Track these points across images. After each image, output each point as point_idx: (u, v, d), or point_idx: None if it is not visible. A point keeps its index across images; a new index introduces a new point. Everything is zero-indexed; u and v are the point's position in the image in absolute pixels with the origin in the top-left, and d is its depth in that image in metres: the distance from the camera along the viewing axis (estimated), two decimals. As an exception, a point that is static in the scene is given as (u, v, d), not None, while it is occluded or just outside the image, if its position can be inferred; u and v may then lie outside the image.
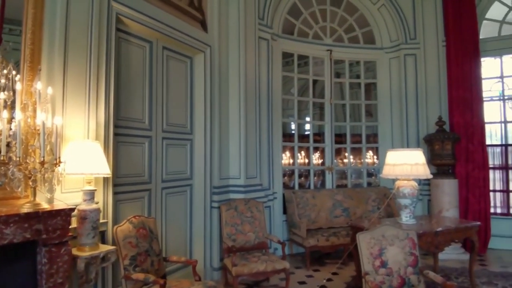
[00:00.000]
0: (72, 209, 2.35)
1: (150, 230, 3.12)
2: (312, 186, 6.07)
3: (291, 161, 8.05)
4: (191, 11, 4.22)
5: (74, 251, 2.46)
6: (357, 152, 7.46)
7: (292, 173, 7.95)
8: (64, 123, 2.64)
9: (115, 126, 3.23)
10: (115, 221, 3.12)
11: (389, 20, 6.16)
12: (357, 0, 6.25)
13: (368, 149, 6.83)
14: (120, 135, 3.37)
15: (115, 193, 3.20)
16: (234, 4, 4.70)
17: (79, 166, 2.54)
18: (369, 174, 7.23)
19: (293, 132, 7.37)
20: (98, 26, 2.95)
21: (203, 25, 4.44)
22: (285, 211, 5.40)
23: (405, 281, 2.68)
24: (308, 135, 6.85)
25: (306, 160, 7.90)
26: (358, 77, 6.41)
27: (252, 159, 4.75)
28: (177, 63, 4.15)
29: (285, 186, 6.33)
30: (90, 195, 2.64)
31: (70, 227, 2.34)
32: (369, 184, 6.62)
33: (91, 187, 2.66)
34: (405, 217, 3.61)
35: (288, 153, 7.91)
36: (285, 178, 7.14)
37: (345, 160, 7.58)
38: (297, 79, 6.00)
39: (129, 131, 3.49)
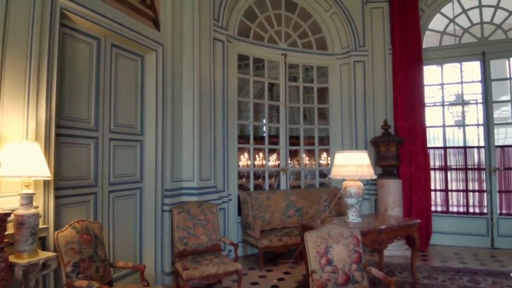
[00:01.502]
0: (8, 214, 2.21)
1: (95, 235, 2.99)
2: (267, 187, 6.14)
3: (256, 162, 8.11)
4: (142, 9, 4.12)
5: (11, 258, 2.31)
6: (312, 153, 7.68)
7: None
8: (0, 122, 2.46)
9: (58, 126, 3.06)
10: (58, 226, 2.95)
11: (340, 27, 6.42)
12: (310, 7, 6.44)
13: (322, 150, 7.06)
14: (63, 135, 3.19)
15: (57, 197, 3.03)
16: (188, 3, 4.64)
17: (15, 168, 2.37)
18: (324, 175, 7.47)
19: (257, 134, 7.44)
20: (40, 21, 2.78)
21: (156, 24, 4.35)
22: (240, 213, 5.42)
23: (350, 278, 2.79)
24: (270, 136, 6.94)
25: (271, 162, 8.00)
26: (313, 81, 6.61)
27: (206, 161, 4.72)
28: (127, 61, 4.02)
29: (243, 187, 6.34)
30: (28, 199, 2.48)
31: (6, 233, 2.21)
32: (322, 184, 6.83)
33: (29, 191, 2.50)
34: (352, 216, 3.78)
35: (246, 155, 7.95)
36: (244, 179, 7.17)
37: (301, 162, 7.78)
38: (253, 82, 6.06)
39: (73, 131, 3.32)
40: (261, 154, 8.09)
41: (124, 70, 3.96)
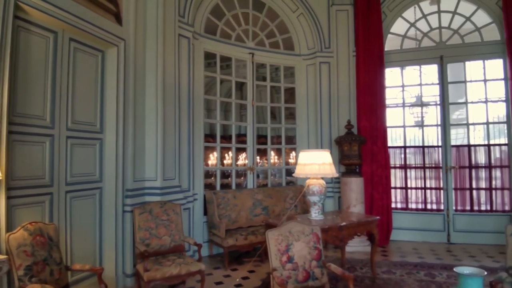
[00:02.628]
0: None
1: (49, 237, 2.86)
2: (234, 187, 6.14)
3: (225, 162, 8.06)
4: (103, 2, 3.97)
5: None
6: (281, 152, 7.76)
7: (221, 174, 7.96)
8: None
9: (10, 123, 2.90)
10: (10, 228, 2.81)
11: (307, 28, 6.52)
12: (278, 7, 6.50)
13: (291, 149, 7.13)
14: (15, 133, 3.02)
15: (9, 198, 2.88)
16: (152, -2, 4.55)
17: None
18: (292, 174, 7.56)
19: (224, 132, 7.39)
20: (-8, 13, 2.63)
21: (118, 18, 4.21)
22: (206, 213, 5.38)
23: (310, 275, 2.85)
24: (239, 135, 6.94)
25: (240, 161, 7.99)
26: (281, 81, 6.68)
27: (171, 160, 4.64)
28: (87, 56, 3.87)
29: (213, 187, 6.28)
30: (-27, 201, 2.34)
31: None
32: (290, 183, 6.92)
33: (-25, 191, 2.36)
34: (314, 213, 3.85)
35: (215, 154, 7.92)
36: (212, 179, 7.13)
37: (271, 160, 7.85)
38: (220, 80, 6.03)
39: (26, 128, 3.15)
40: (230, 153, 8.09)
41: (83, 65, 3.81)
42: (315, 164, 3.80)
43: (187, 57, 5.13)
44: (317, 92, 6.40)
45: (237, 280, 4.28)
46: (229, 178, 7.76)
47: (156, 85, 4.50)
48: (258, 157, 8.02)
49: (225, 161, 8.15)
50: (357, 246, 5.42)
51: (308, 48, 6.59)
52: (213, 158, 7.20)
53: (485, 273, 1.84)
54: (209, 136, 7.15)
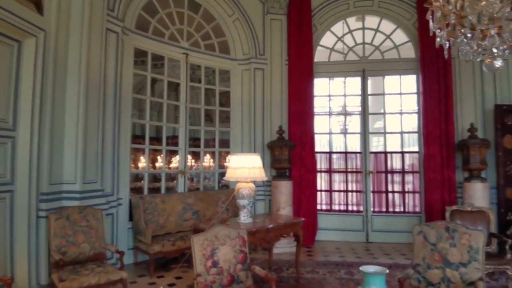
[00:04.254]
0: None
1: None
2: (163, 190, 5.95)
3: (157, 164, 7.77)
4: (20, -12, 3.60)
5: None
6: (214, 155, 7.72)
7: (153, 177, 7.67)
8: None
9: None
10: None
11: (242, 34, 6.61)
12: (214, 10, 6.49)
13: (227, 153, 7.14)
14: None
15: None
16: (77, -12, 4.23)
17: None
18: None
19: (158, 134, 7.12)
20: None
21: (39, 7, 3.83)
22: (132, 218, 5.12)
23: (234, 278, 2.87)
24: (173, 137, 6.75)
25: (173, 164, 7.75)
26: (216, 84, 6.67)
27: (92, 162, 4.33)
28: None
29: (142, 191, 5.96)
30: None
31: None
32: (224, 186, 6.92)
33: None
34: (243, 217, 3.90)
35: (151, 157, 7.60)
36: (142, 182, 6.83)
37: (206, 164, 7.77)
38: (154, 80, 5.82)
39: None
40: (162, 156, 7.82)
41: (-7, 55, 3.40)
42: (245, 168, 3.85)
43: (115, 53, 4.85)
44: (252, 97, 6.52)
45: (161, 287, 4.14)
46: (160, 182, 7.52)
47: (78, 81, 4.18)
48: (193, 160, 7.91)
49: (157, 164, 7.88)
50: (285, 247, 5.60)
51: (243, 53, 6.67)
52: (144, 161, 6.93)
53: (387, 271, 2.04)
54: (140, 138, 6.86)
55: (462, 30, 2.58)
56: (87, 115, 4.25)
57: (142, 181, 6.59)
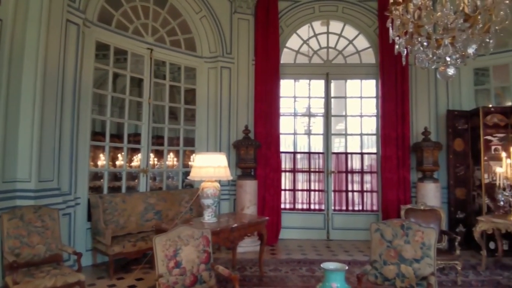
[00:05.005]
0: None
1: None
2: (124, 190, 5.77)
3: (118, 163, 7.49)
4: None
5: None
6: (178, 154, 7.58)
7: (113, 176, 7.40)
8: None
9: None
10: None
11: (209, 31, 6.55)
12: (180, 6, 6.38)
13: (191, 152, 7.02)
14: None
15: None
16: (36, -24, 4.00)
17: None
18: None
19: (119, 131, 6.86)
20: None
21: (-5, -5, 3.61)
22: (90, 218, 4.92)
23: (197, 278, 2.85)
24: (135, 134, 6.54)
25: (135, 163, 7.50)
26: (181, 81, 6.54)
27: (49, 160, 4.10)
28: None
29: (101, 190, 5.73)
30: None
31: None
32: (188, 186, 6.82)
33: None
34: (207, 216, 3.88)
35: (112, 154, 7.31)
36: (102, 181, 6.56)
37: (168, 163, 7.60)
38: (116, 75, 5.62)
39: None
40: (123, 154, 7.56)
41: None
42: (210, 167, 3.83)
43: (75, 45, 4.64)
44: (218, 96, 6.48)
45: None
46: (121, 181, 7.27)
47: (35, 73, 3.96)
48: (155, 159, 7.72)
49: (117, 162, 7.60)
50: (249, 246, 5.63)
51: (210, 51, 6.62)
52: (104, 159, 6.67)
53: (346, 267, 2.12)
54: (100, 134, 6.59)
55: (419, 39, 2.74)
56: (43, 109, 4.03)
57: (102, 180, 6.34)
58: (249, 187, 5.90)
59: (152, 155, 6.63)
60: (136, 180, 6.48)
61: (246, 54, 6.57)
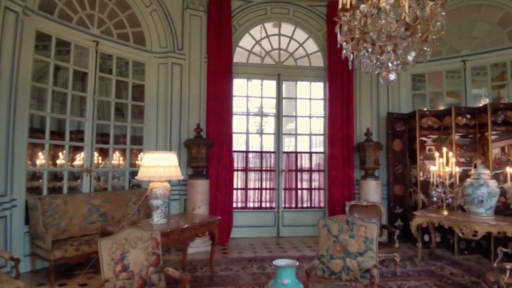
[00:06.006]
0: None
1: None
2: (65, 191, 5.41)
3: (59, 162, 6.96)
4: None
5: None
6: (125, 153, 7.27)
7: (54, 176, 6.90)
8: None
9: None
10: None
11: (160, 26, 6.35)
12: (129, -2, 6.12)
13: (139, 150, 6.76)
14: None
15: None
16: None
17: None
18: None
19: (62, 128, 6.36)
20: None
21: None
22: (29, 221, 4.55)
23: (146, 282, 2.76)
24: (78, 131, 6.13)
25: (77, 162, 7.01)
26: (129, 76, 6.26)
27: (-22, 158, 3.74)
28: None
29: (40, 191, 5.30)
30: None
31: None
32: (135, 186, 6.55)
33: None
34: (157, 218, 3.77)
35: (52, 153, 6.77)
36: (41, 181, 6.08)
37: (113, 162, 7.24)
38: (58, 68, 5.24)
39: None
40: (65, 152, 7.06)
41: None
42: (160, 166, 3.72)
43: (13, 34, 4.27)
44: (169, 92, 6.31)
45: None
46: (62, 181, 6.79)
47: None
48: (100, 158, 7.32)
49: (58, 161, 7.10)
50: (200, 247, 5.57)
51: (160, 46, 6.42)
52: (43, 157, 6.19)
53: (297, 263, 2.19)
54: (39, 131, 6.11)
55: (364, 45, 2.90)
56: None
57: (41, 180, 5.89)
58: (201, 187, 5.83)
59: (96, 154, 6.29)
60: (79, 180, 6.10)
61: (199, 51, 6.48)
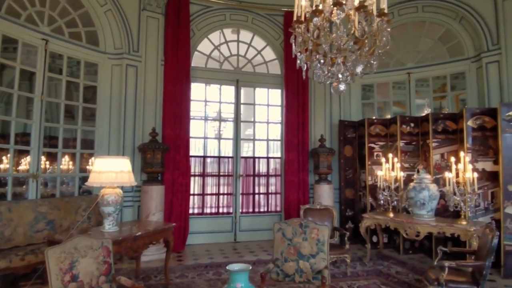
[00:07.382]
0: None
1: None
2: (10, 197, 5.04)
3: (2, 166, 6.43)
4: None
5: None
6: (75, 157, 6.91)
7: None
8: None
9: None
10: None
11: (114, 26, 6.16)
12: (83, -4, 5.88)
13: (90, 155, 6.46)
14: None
15: None
16: None
17: None
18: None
19: (6, 130, 5.90)
20: None
21: None
22: (-38, 231, 4.18)
23: (97, 291, 2.67)
24: (24, 134, 5.71)
25: (23, 166, 6.52)
26: (80, 77, 5.99)
27: None
28: None
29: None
30: None
31: None
32: (85, 192, 6.25)
33: None
34: (108, 225, 3.64)
35: (3, 157, 6.26)
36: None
37: (62, 167, 6.84)
38: (2, 66, 4.89)
39: None
40: (9, 156, 6.56)
41: None
42: (112, 172, 3.60)
43: None
44: (123, 95, 6.12)
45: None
46: (22, 187, 6.30)
47: None
48: (47, 162, 6.90)
49: (1, 166, 6.60)
50: (154, 254, 5.44)
51: (115, 47, 6.22)
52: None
53: (250, 267, 2.25)
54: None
55: (317, 56, 3.05)
56: None
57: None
58: (156, 193, 5.70)
59: (43, 158, 5.93)
60: (25, 186, 5.71)
61: (155, 53, 6.36)
